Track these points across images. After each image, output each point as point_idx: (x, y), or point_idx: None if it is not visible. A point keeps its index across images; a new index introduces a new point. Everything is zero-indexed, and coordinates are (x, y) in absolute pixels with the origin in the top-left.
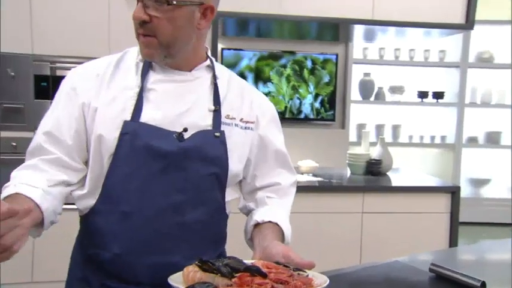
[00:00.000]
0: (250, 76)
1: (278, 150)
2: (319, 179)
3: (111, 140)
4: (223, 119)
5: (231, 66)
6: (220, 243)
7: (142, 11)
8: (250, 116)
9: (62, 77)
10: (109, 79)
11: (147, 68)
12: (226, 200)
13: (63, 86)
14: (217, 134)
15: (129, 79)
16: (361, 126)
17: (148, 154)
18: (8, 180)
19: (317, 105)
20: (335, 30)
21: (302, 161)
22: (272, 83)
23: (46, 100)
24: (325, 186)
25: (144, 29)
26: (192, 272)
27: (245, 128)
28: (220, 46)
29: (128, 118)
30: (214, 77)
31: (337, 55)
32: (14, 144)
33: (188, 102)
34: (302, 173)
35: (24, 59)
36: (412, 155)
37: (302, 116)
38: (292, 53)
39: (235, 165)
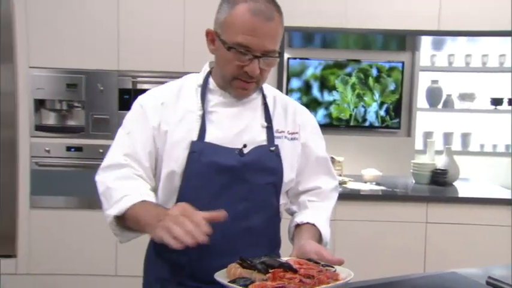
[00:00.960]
0: (315, 85)
1: (319, 157)
2: (383, 187)
3: (182, 158)
4: (275, 134)
5: (297, 75)
6: (277, 245)
7: (257, 67)
8: (294, 128)
9: (143, 90)
10: (174, 105)
11: (205, 93)
12: (280, 203)
13: (134, 113)
14: (272, 148)
15: (191, 103)
16: (428, 135)
17: (214, 169)
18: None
19: (382, 113)
20: (401, 39)
21: (365, 170)
22: (337, 91)
23: (127, 111)
24: (389, 195)
25: (251, 77)
26: (234, 268)
27: (292, 138)
28: (286, 56)
29: (195, 138)
30: (264, 97)
31: (403, 63)
32: (101, 151)
33: (245, 121)
34: (365, 182)
35: (111, 74)
36: (483, 165)
37: (367, 124)
38: (357, 61)
39: (288, 173)
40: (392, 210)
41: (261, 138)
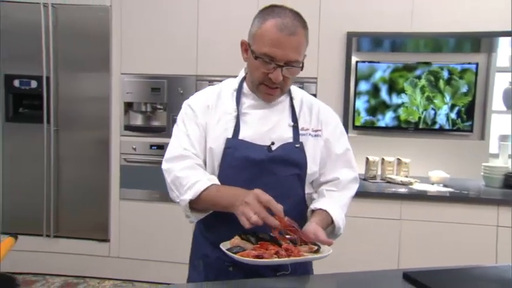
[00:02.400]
0: (384, 87)
1: (338, 152)
2: (450, 189)
3: (218, 152)
4: (300, 132)
5: (365, 78)
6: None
7: (280, 75)
8: (317, 125)
9: None
10: (215, 106)
11: (239, 96)
12: (306, 192)
13: (187, 113)
14: (297, 145)
15: (228, 105)
16: (503, 138)
17: (246, 163)
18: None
19: (453, 115)
20: (475, 41)
21: (432, 172)
22: (406, 94)
23: None
24: (457, 197)
25: (276, 84)
26: (234, 239)
27: (315, 135)
28: (355, 59)
29: (230, 136)
30: (291, 99)
31: (477, 64)
32: None
33: (273, 121)
34: (432, 183)
35: (190, 79)
36: None
37: (437, 126)
38: (427, 64)
39: (311, 166)
40: (461, 212)
41: (288, 135)
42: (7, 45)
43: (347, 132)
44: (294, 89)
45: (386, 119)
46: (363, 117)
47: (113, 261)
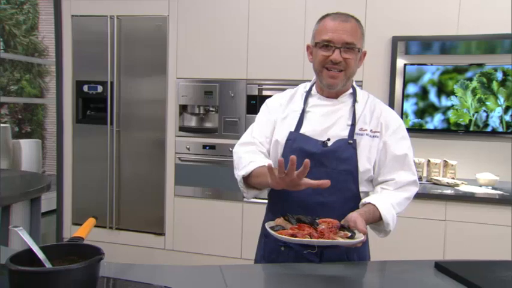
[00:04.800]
0: (433, 90)
1: (397, 154)
2: (499, 192)
3: (282, 144)
4: (357, 131)
5: (413, 80)
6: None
7: (339, 55)
8: (376, 127)
9: (267, 96)
10: (286, 105)
11: (307, 96)
12: (360, 190)
13: (263, 109)
14: (350, 141)
15: (297, 104)
16: None
17: (301, 154)
18: (227, 177)
19: (507, 118)
20: None
21: (480, 174)
22: (456, 96)
23: (254, 115)
24: (506, 199)
25: (338, 66)
26: (278, 219)
27: (373, 136)
28: (403, 62)
29: (293, 130)
30: (354, 101)
31: None
32: (231, 149)
33: (333, 119)
34: (480, 185)
35: (240, 83)
36: None
37: (489, 129)
38: (480, 65)
39: (363, 164)
40: (510, 214)
41: (344, 133)
42: (78, 54)
43: None
44: (361, 92)
45: (435, 122)
46: (411, 120)
47: (168, 253)
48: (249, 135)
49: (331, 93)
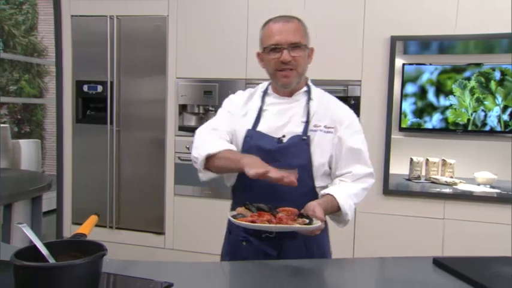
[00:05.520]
0: (431, 90)
1: (352, 147)
2: (497, 190)
3: (241, 140)
4: (311, 127)
5: (412, 80)
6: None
7: (288, 54)
8: (331, 123)
9: None
10: (245, 103)
11: (264, 95)
12: (317, 185)
13: (226, 104)
14: (304, 137)
15: (255, 103)
16: None
17: (258, 150)
18: None
19: (505, 117)
20: None
21: (478, 173)
22: (454, 95)
23: None
24: (504, 198)
25: (288, 65)
26: (239, 208)
27: (326, 132)
28: (401, 62)
29: (250, 127)
30: (309, 99)
31: None
32: None
33: (288, 117)
34: (478, 184)
35: (240, 82)
36: None
37: (487, 128)
38: (478, 65)
39: (317, 159)
40: (509, 213)
41: (298, 130)
42: (78, 54)
43: (391, 133)
44: (315, 90)
45: (434, 121)
46: (410, 119)
47: (168, 252)
48: (213, 123)
49: (286, 92)
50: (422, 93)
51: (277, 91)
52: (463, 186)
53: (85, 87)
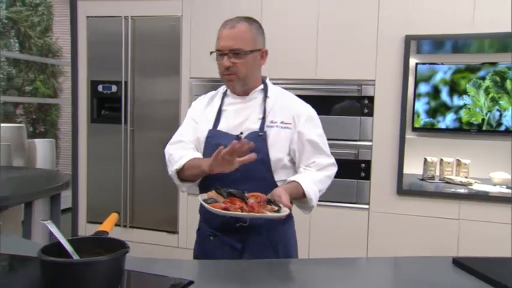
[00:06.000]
0: (444, 89)
1: (311, 140)
2: None
3: (203, 141)
4: (267, 124)
5: (425, 80)
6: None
7: (227, 61)
8: (287, 119)
9: None
10: (206, 106)
11: (223, 97)
12: (276, 179)
13: (189, 111)
14: (261, 133)
15: (215, 104)
16: None
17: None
18: None
19: None
20: None
21: (494, 173)
22: (468, 95)
23: None
24: None
25: (229, 70)
26: (210, 192)
27: (283, 127)
28: (415, 61)
29: (211, 128)
30: (265, 97)
31: None
32: None
33: (245, 115)
34: (494, 185)
35: None
36: None
37: (502, 128)
38: (493, 64)
39: (274, 153)
40: None
41: (256, 126)
42: (93, 55)
43: (405, 134)
44: (272, 87)
45: (447, 121)
46: (423, 119)
47: (181, 251)
48: (178, 134)
49: (241, 91)
50: (435, 92)
51: (234, 91)
52: (478, 187)
53: (100, 87)
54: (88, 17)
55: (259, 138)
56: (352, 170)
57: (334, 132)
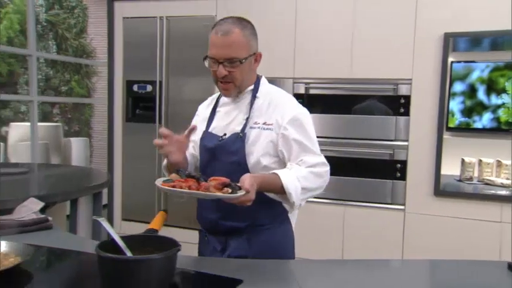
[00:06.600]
0: (481, 88)
1: (296, 140)
2: None
3: (198, 142)
4: (250, 125)
5: (460, 78)
6: (255, 215)
7: (223, 70)
8: (270, 120)
9: (314, 95)
10: (206, 108)
11: (219, 97)
12: None
13: (196, 114)
14: (240, 135)
15: (211, 106)
16: None
17: (204, 149)
18: None
19: None
20: None
21: None
22: (507, 94)
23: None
24: None
25: (225, 78)
26: (172, 174)
27: (265, 128)
28: (450, 59)
29: (204, 129)
30: (254, 97)
31: None
32: None
33: (232, 116)
34: None
35: (287, 81)
36: None
37: None
38: None
39: (252, 155)
40: None
41: (238, 128)
42: (128, 55)
43: (442, 134)
44: (264, 88)
45: (484, 121)
46: (457, 119)
47: None
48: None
49: (235, 96)
50: (471, 91)
51: (229, 97)
52: None
53: (135, 87)
54: (124, 18)
55: (237, 140)
56: (387, 170)
57: (369, 132)
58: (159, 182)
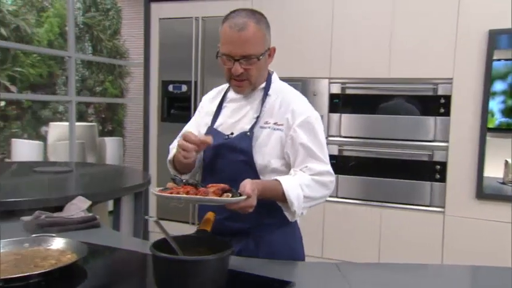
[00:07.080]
0: None
1: (304, 144)
2: None
3: (203, 135)
4: (261, 124)
5: (501, 77)
6: (260, 215)
7: (239, 67)
8: (281, 120)
9: (351, 95)
10: (211, 101)
11: (226, 92)
12: None
13: (199, 104)
14: (248, 133)
15: (218, 100)
16: None
17: (208, 147)
18: None
19: None
20: None
21: None
22: None
23: (337, 113)
24: None
25: (240, 76)
26: (169, 183)
27: (275, 129)
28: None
29: (209, 124)
30: (266, 95)
31: None
32: None
33: (241, 114)
34: None
35: (323, 81)
36: None
37: None
38: None
39: (260, 156)
40: None
41: (247, 127)
42: (164, 55)
43: (485, 135)
44: (276, 86)
45: None
46: (497, 119)
47: None
48: (183, 129)
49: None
50: None
51: (242, 94)
52: None
53: (170, 87)
54: (161, 19)
55: (245, 139)
56: (426, 171)
57: (408, 132)
58: (156, 190)
